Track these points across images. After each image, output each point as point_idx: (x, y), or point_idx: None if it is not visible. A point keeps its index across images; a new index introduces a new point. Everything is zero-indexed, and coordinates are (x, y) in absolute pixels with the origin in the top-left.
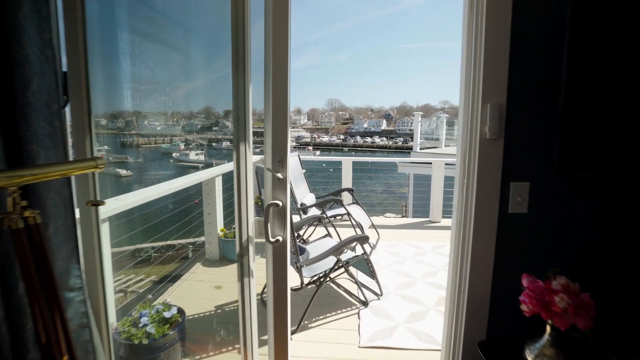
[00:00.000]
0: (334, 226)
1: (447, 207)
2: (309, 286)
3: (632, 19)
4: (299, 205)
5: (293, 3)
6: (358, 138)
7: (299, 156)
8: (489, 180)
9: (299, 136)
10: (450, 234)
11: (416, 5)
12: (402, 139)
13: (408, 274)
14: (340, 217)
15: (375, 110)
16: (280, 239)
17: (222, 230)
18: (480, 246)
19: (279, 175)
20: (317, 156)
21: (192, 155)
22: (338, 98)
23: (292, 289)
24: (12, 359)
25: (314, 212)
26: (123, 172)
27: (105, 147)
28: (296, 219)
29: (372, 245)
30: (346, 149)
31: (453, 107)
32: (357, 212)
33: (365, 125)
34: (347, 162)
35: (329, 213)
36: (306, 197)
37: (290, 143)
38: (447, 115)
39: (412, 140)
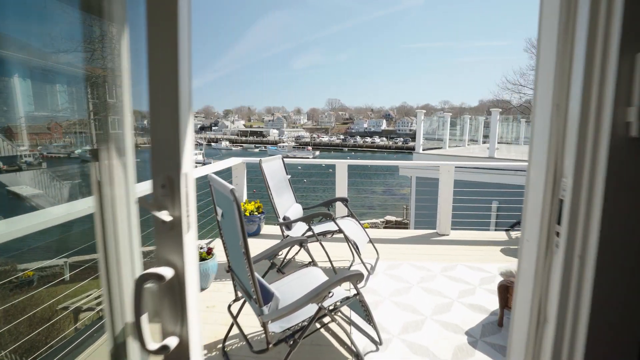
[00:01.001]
0: (322, 246)
1: (458, 218)
2: (279, 345)
3: None
4: (280, 219)
5: (293, 3)
6: (358, 138)
7: (282, 159)
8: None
9: (299, 136)
10: (523, 259)
11: (416, 5)
12: (402, 139)
13: (415, 309)
14: (330, 235)
15: (375, 110)
16: (174, 343)
17: None
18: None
19: (164, 215)
20: (310, 159)
21: None
22: (338, 98)
23: (254, 352)
24: None
25: (300, 228)
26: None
27: None
28: (275, 236)
29: (370, 267)
30: (346, 149)
31: (453, 107)
32: (351, 227)
33: (365, 125)
34: (341, 166)
35: (318, 229)
36: (291, 208)
37: (192, 153)
38: (450, 114)
39: (412, 140)
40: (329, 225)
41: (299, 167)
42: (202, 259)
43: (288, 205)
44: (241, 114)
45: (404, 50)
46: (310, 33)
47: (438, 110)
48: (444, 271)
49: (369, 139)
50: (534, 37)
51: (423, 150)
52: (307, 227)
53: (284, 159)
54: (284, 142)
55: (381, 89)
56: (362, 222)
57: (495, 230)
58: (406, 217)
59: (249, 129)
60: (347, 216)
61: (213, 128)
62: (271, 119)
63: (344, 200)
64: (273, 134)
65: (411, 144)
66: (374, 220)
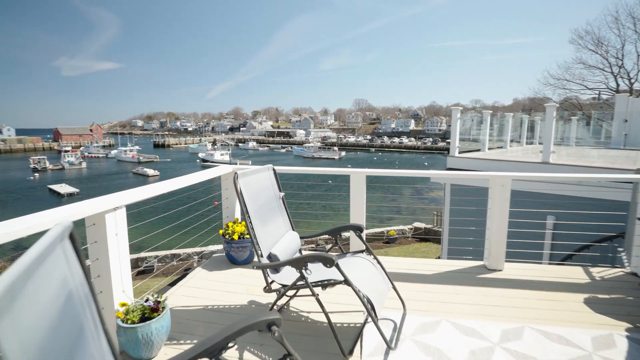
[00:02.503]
0: (319, 302)
1: (516, 247)
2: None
3: None
4: (264, 259)
5: (320, 5)
6: (385, 138)
7: (273, 170)
8: None
9: (325, 136)
10: None
11: (445, 3)
12: (431, 139)
13: None
14: (331, 286)
15: (403, 110)
16: None
17: (123, 305)
18: None
19: None
20: (335, 159)
21: (217, 156)
22: (365, 98)
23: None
24: None
25: (289, 274)
26: (150, 171)
27: (137, 147)
28: (252, 279)
29: (392, 332)
30: (373, 149)
31: (485, 106)
32: (365, 272)
33: (393, 126)
34: (358, 178)
35: (315, 276)
36: (281, 241)
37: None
38: (490, 112)
39: (442, 140)
40: (331, 273)
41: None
42: (144, 318)
43: (278, 235)
44: (269, 114)
45: (433, 49)
46: (338, 35)
47: (469, 110)
48: (505, 339)
49: (396, 139)
50: (581, 27)
51: (459, 153)
52: (298, 274)
53: (275, 170)
54: (309, 143)
55: (409, 89)
56: (388, 228)
57: (563, 263)
58: (437, 223)
59: (276, 130)
60: (362, 252)
61: (241, 129)
62: (298, 119)
63: (357, 230)
64: (300, 134)
65: (440, 144)
66: (401, 227)
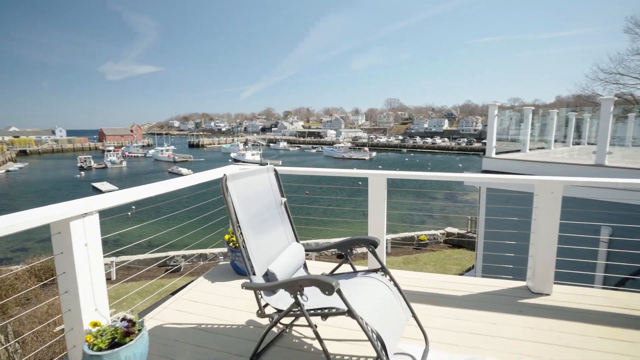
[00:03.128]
0: (318, 337)
1: (565, 266)
2: None
3: None
4: (257, 278)
5: (351, 4)
6: (417, 139)
7: (275, 172)
8: None
9: (356, 137)
10: None
11: None
12: (465, 139)
13: None
14: (333, 315)
15: (436, 110)
16: None
17: (95, 325)
18: None
19: None
20: (366, 159)
21: (248, 156)
22: (397, 97)
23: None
24: None
25: (287, 297)
26: (184, 171)
27: (172, 147)
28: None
29: None
30: (405, 149)
31: (524, 104)
32: (376, 298)
33: (426, 126)
34: (377, 181)
35: (312, 303)
36: (282, 255)
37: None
38: (532, 108)
39: (477, 141)
40: (333, 300)
41: (355, 168)
42: (114, 344)
43: (278, 248)
44: (300, 115)
45: (468, 46)
46: (370, 34)
47: (507, 108)
48: None
49: (429, 140)
50: (639, 14)
51: (497, 153)
52: (292, 299)
53: (277, 172)
54: (340, 143)
55: (443, 87)
56: (419, 233)
57: (622, 289)
58: (471, 227)
59: (307, 130)
60: (377, 270)
61: (273, 129)
62: (329, 119)
63: (370, 245)
64: (330, 134)
65: (476, 144)
66: (432, 232)
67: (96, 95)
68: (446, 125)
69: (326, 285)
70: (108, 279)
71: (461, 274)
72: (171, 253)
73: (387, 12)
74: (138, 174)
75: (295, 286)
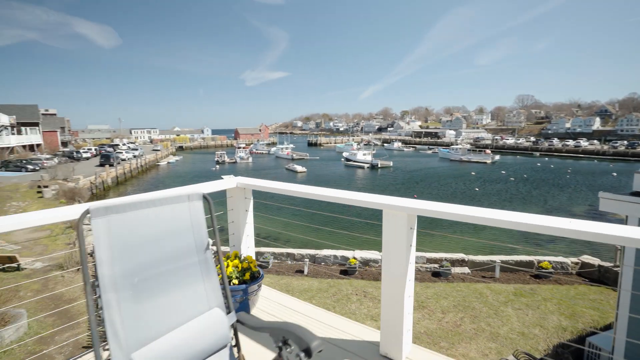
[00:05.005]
0: None
1: None
2: None
3: None
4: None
5: None
6: (555, 140)
7: (206, 200)
8: None
9: (478, 137)
10: None
11: None
12: (625, 142)
13: None
14: None
15: (583, 106)
16: None
17: None
18: None
19: None
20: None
21: (360, 155)
22: (531, 94)
23: None
24: None
25: None
26: (299, 168)
27: (291, 145)
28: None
29: None
30: (537, 153)
31: None
32: None
33: (568, 125)
34: (395, 217)
35: None
36: (183, 329)
37: None
38: None
39: None
40: None
41: (473, 173)
42: None
43: (178, 320)
44: (418, 114)
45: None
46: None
47: None
48: None
49: (570, 142)
50: None
51: None
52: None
53: (209, 200)
54: (457, 145)
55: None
56: (540, 258)
57: None
58: (617, 260)
59: (423, 130)
60: None
61: (389, 129)
62: (449, 119)
63: (303, 351)
64: (449, 135)
65: None
66: (561, 260)
67: (236, 99)
68: (597, 125)
69: None
70: None
71: (594, 332)
72: (262, 249)
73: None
74: (259, 169)
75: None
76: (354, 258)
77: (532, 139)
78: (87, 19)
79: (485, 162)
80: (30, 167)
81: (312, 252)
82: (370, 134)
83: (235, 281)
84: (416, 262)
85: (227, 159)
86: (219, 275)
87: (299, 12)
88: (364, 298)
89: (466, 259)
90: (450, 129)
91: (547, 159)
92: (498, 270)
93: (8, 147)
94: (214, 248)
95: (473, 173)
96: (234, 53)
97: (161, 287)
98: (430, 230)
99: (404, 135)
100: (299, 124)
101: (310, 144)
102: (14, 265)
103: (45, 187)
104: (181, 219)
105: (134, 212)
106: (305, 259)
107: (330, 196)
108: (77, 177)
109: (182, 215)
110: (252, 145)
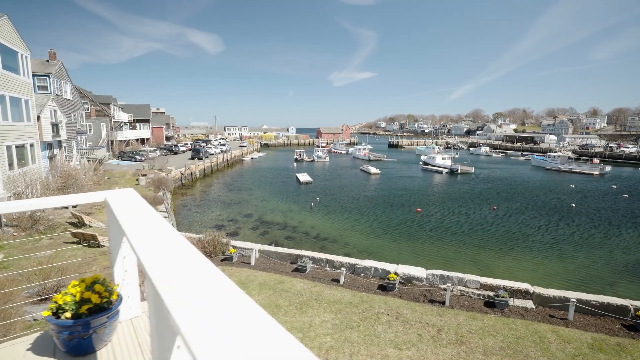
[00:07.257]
0: None
1: None
2: None
3: None
4: None
5: None
6: None
7: None
8: None
9: (586, 144)
10: None
11: None
12: None
13: None
14: None
15: None
16: None
17: None
18: None
19: None
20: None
21: (439, 160)
22: None
23: None
24: None
25: None
26: (373, 169)
27: (369, 146)
28: None
29: None
30: None
31: None
32: None
33: None
34: None
35: None
36: None
37: None
38: None
39: None
40: None
41: (572, 185)
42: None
43: None
44: (514, 117)
45: None
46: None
47: None
48: None
49: None
50: None
51: None
52: None
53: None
54: (556, 152)
55: None
56: (636, 303)
57: None
58: None
59: (517, 134)
60: None
61: (478, 132)
62: (551, 122)
63: None
64: (549, 140)
65: None
66: None
67: (323, 99)
68: None
69: None
70: (248, 263)
71: None
72: (302, 252)
73: None
74: (333, 169)
75: None
76: (395, 273)
77: None
78: (199, 29)
79: (592, 174)
80: (138, 157)
81: (352, 261)
82: (456, 137)
83: (68, 314)
84: (467, 287)
85: (305, 157)
86: None
87: (389, 10)
88: (395, 320)
89: (531, 291)
90: (551, 134)
91: None
92: (572, 311)
93: (125, 140)
94: None
95: (572, 186)
96: (323, 54)
97: None
98: (490, 247)
99: (493, 139)
100: (383, 124)
101: (390, 145)
102: (95, 242)
103: (144, 175)
104: None
105: None
106: (343, 268)
107: None
108: (170, 168)
109: None
110: (331, 145)
